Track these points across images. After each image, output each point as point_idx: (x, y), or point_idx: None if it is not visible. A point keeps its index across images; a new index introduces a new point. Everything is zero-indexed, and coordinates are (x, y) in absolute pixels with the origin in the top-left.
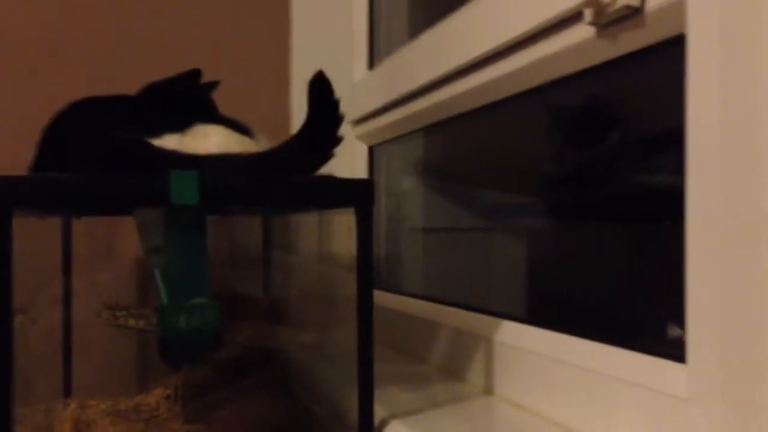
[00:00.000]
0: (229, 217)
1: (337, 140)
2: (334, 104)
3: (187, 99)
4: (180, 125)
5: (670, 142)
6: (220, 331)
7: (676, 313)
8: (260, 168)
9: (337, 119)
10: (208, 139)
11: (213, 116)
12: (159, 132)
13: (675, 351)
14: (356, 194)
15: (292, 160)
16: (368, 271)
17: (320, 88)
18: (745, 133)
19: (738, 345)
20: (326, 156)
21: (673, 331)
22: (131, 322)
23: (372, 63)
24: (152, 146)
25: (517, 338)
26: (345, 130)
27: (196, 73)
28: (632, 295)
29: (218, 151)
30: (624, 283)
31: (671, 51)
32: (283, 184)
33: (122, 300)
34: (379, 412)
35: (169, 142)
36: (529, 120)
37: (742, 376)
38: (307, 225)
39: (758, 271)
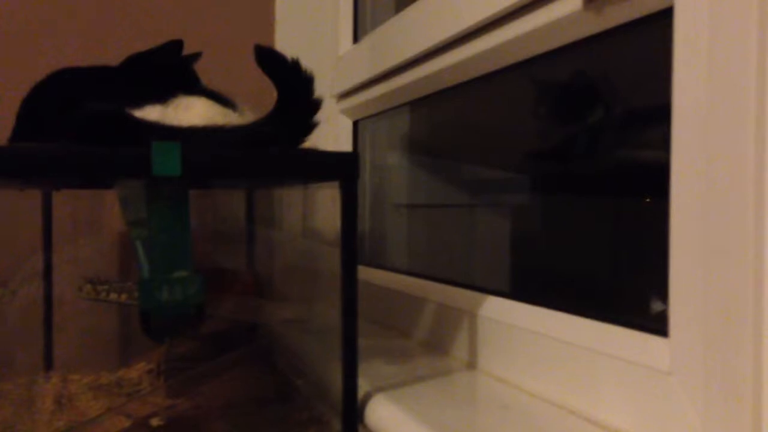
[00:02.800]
0: (213, 191)
1: (313, 105)
2: (292, 69)
3: (170, 70)
4: (162, 97)
5: (657, 118)
6: (202, 304)
7: (660, 287)
8: (244, 140)
9: (304, 84)
10: (190, 111)
11: (196, 88)
12: (140, 103)
13: (658, 325)
14: (341, 167)
15: (275, 132)
16: (352, 245)
17: (269, 60)
18: (730, 108)
19: (719, 319)
20: (308, 126)
21: (656, 306)
22: (113, 296)
23: (357, 37)
24: (133, 117)
25: (501, 313)
26: (329, 104)
27: (178, 44)
28: (616, 270)
29: (201, 122)
30: (608, 258)
31: (659, 25)
32: (267, 157)
33: (104, 274)
34: (362, 385)
35: (150, 113)
36: (515, 95)
37: (723, 349)
38: (291, 199)
39: (740, 246)
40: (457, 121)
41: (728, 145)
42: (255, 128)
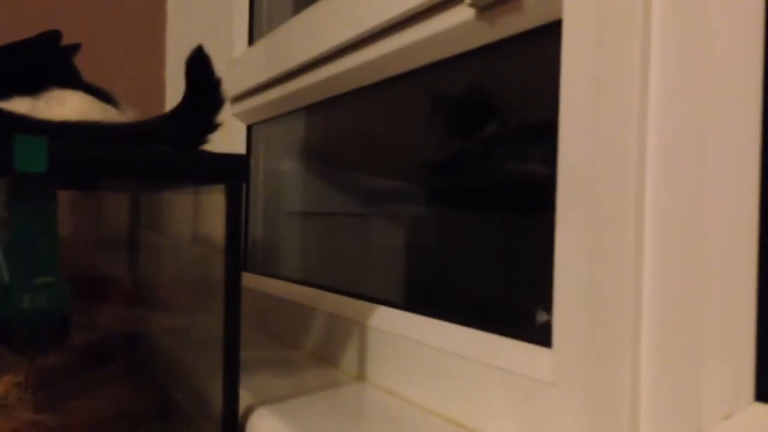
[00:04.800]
0: (95, 194)
1: (213, 125)
2: (213, 85)
3: (44, 62)
4: (33, 89)
5: (547, 131)
6: (69, 313)
7: (547, 299)
8: (121, 138)
9: (216, 102)
10: (64, 105)
11: (73, 82)
12: (7, 95)
13: (543, 336)
14: (227, 170)
15: (158, 134)
16: (237, 252)
17: (199, 67)
18: (615, 121)
19: (600, 330)
20: (199, 140)
21: (541, 317)
22: None
23: (252, 39)
24: None
25: (390, 324)
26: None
27: (55, 35)
28: (504, 282)
29: (76, 118)
30: (497, 270)
31: (550, 37)
32: (144, 156)
33: None
34: (245, 398)
35: (18, 105)
36: (410, 105)
37: (604, 360)
38: (181, 204)
39: (621, 258)
40: (352, 128)
41: (611, 156)
42: (135, 127)
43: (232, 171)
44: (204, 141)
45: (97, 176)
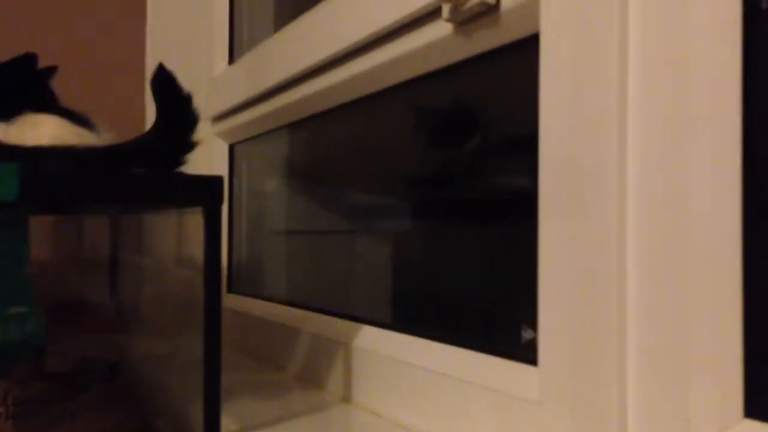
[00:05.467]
0: (74, 218)
1: (191, 144)
2: (184, 101)
3: (19, 86)
4: (6, 114)
5: (529, 143)
6: (44, 345)
7: (531, 316)
8: (95, 162)
9: (189, 119)
10: (37, 130)
11: (49, 106)
12: None
13: (528, 354)
14: (204, 192)
15: (133, 157)
16: (216, 274)
17: (165, 85)
18: (592, 133)
19: (586, 347)
20: (177, 160)
21: (526, 334)
22: None
23: (233, 57)
24: None
25: (376, 344)
26: (204, 126)
27: (30, 58)
28: (490, 299)
29: (49, 142)
30: (482, 287)
31: (528, 51)
32: (118, 180)
33: None
34: (228, 424)
35: None
36: (393, 120)
37: (591, 378)
38: (163, 226)
39: (607, 275)
40: (335, 145)
41: (591, 168)
42: (109, 150)
43: (207, 192)
44: (182, 161)
45: (71, 202)
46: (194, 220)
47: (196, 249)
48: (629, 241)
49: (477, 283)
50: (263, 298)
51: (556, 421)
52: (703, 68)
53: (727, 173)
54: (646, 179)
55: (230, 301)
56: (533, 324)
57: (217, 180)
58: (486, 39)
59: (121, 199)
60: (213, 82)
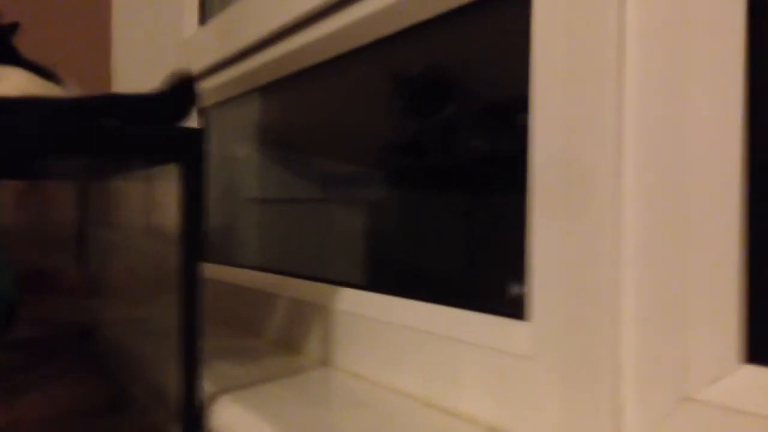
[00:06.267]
0: (43, 184)
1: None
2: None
3: None
4: None
5: (512, 109)
6: (14, 301)
7: (517, 273)
8: (65, 112)
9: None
10: (4, 82)
11: (13, 60)
12: None
13: (515, 310)
14: (183, 145)
15: (105, 108)
16: (198, 235)
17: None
18: (589, 92)
19: (578, 302)
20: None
21: (513, 290)
22: None
23: (204, 18)
24: None
25: (356, 305)
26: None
27: None
28: (472, 258)
29: (16, 94)
30: (464, 247)
31: (518, 9)
32: (90, 130)
33: None
34: (206, 388)
35: None
36: (368, 85)
37: (584, 329)
38: (132, 193)
39: (598, 229)
40: (310, 111)
41: (587, 127)
42: (81, 100)
43: (186, 147)
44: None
45: (42, 153)
46: (164, 188)
47: (166, 216)
48: (625, 190)
49: (458, 244)
50: (237, 266)
51: (548, 374)
52: (704, 65)
53: (729, 131)
54: (643, 127)
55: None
56: (520, 279)
57: (196, 133)
58: None
59: (94, 150)
60: (183, 45)
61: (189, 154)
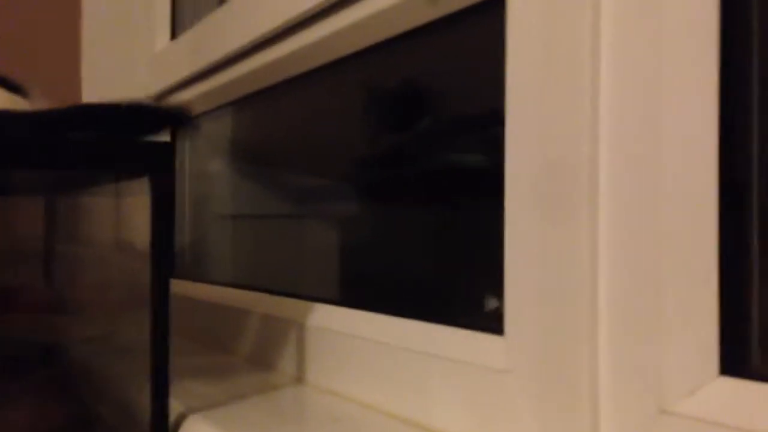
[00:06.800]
0: (9, 199)
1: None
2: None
3: None
4: None
5: (486, 122)
6: None
7: (493, 287)
8: (28, 126)
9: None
10: None
11: None
12: None
13: (492, 324)
14: (151, 158)
15: (71, 121)
16: (166, 249)
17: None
18: (565, 103)
19: (555, 311)
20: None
21: (490, 304)
22: None
23: (175, 32)
24: None
25: (330, 321)
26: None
27: None
28: (447, 273)
29: None
30: (439, 262)
31: (493, 17)
32: (55, 144)
33: None
34: (175, 407)
35: None
36: (340, 99)
37: (560, 342)
38: (102, 209)
39: (574, 241)
40: (284, 126)
41: (561, 137)
42: (45, 115)
43: (154, 160)
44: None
45: (5, 167)
46: (134, 204)
47: (137, 233)
48: (600, 202)
49: (434, 258)
50: (210, 283)
51: (524, 387)
52: (678, 68)
53: (704, 124)
54: (618, 136)
55: (173, 287)
56: (496, 293)
57: (164, 146)
58: (449, 1)
59: (58, 164)
60: (154, 59)
61: (158, 167)
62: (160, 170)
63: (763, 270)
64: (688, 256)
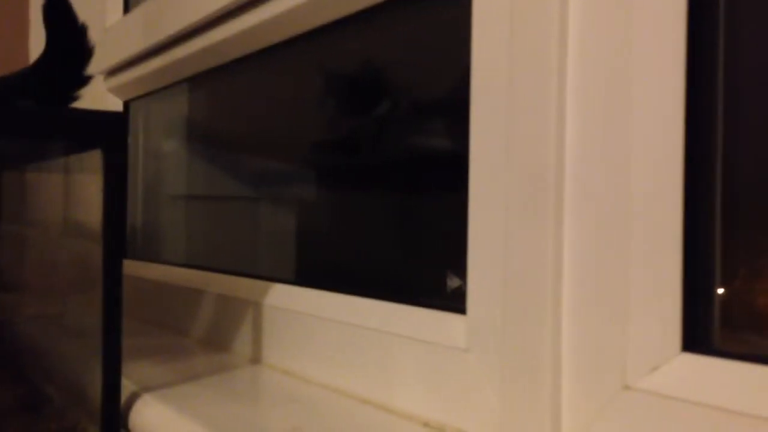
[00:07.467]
0: None
1: (82, 78)
2: (78, 31)
3: None
4: None
5: (452, 101)
6: None
7: (455, 267)
8: None
9: (83, 50)
10: None
11: None
12: None
13: (454, 303)
14: (103, 130)
15: (16, 90)
16: (117, 226)
17: (58, 12)
18: (531, 89)
19: (518, 289)
20: (66, 95)
21: (452, 284)
22: None
23: (128, 6)
24: None
25: (287, 300)
26: (96, 82)
27: None
28: (410, 254)
29: None
30: (400, 241)
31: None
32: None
33: None
34: (127, 387)
35: None
36: (298, 79)
37: (522, 320)
38: (50, 186)
39: (538, 219)
40: (239, 106)
41: (527, 124)
42: None
43: (106, 132)
44: (73, 97)
45: None
46: (84, 181)
47: (87, 211)
48: (566, 185)
49: (395, 238)
50: (163, 263)
51: (486, 366)
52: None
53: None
54: (584, 112)
55: (125, 267)
56: (458, 273)
57: (116, 117)
58: None
59: (4, 133)
60: (106, 33)
61: (109, 139)
62: (113, 142)
63: (726, 248)
64: (652, 234)
